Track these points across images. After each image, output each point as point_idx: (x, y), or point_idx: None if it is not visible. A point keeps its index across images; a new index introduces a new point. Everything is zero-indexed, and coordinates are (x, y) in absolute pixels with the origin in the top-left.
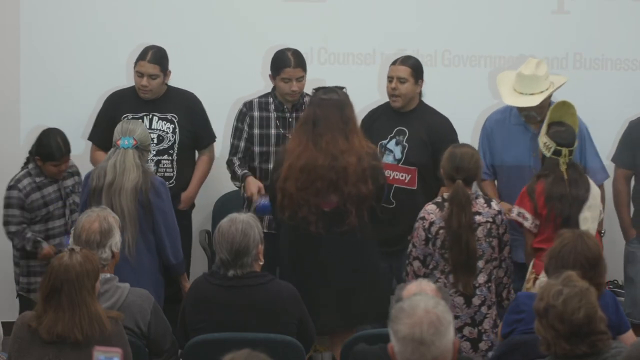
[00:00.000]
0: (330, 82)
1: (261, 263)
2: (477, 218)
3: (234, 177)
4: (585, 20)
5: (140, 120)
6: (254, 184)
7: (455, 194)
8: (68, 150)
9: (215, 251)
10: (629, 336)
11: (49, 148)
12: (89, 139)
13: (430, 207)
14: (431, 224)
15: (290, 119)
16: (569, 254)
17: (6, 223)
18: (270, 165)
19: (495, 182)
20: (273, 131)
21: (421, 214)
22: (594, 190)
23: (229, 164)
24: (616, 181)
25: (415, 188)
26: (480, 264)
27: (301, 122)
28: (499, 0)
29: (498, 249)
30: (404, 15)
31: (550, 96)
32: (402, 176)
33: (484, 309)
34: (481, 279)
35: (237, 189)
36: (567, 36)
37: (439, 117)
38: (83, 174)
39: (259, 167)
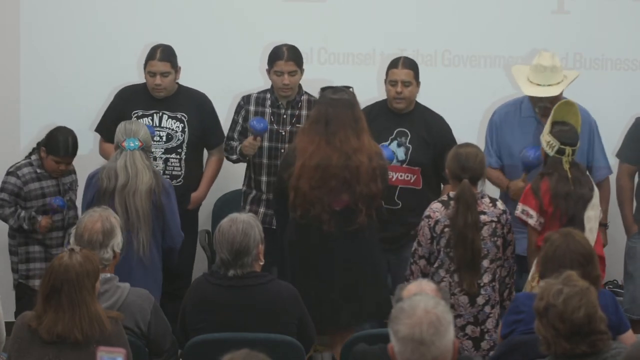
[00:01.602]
0: (330, 82)
1: (261, 263)
2: (483, 217)
3: (231, 151)
4: (585, 20)
5: (150, 117)
6: (247, 139)
7: (462, 193)
8: (74, 153)
9: (216, 251)
10: (629, 336)
11: (57, 143)
12: (96, 130)
13: (435, 206)
14: (436, 222)
15: (284, 116)
16: (564, 255)
17: None
18: (264, 160)
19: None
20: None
21: (427, 213)
22: (596, 190)
23: (225, 147)
24: (620, 177)
25: (420, 188)
26: (485, 263)
27: (312, 121)
28: (498, 1)
29: (502, 248)
30: (404, 15)
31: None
32: (407, 177)
33: (487, 309)
34: (486, 278)
35: (237, 189)
36: (567, 36)
37: (436, 116)
38: (85, 171)
39: (253, 162)
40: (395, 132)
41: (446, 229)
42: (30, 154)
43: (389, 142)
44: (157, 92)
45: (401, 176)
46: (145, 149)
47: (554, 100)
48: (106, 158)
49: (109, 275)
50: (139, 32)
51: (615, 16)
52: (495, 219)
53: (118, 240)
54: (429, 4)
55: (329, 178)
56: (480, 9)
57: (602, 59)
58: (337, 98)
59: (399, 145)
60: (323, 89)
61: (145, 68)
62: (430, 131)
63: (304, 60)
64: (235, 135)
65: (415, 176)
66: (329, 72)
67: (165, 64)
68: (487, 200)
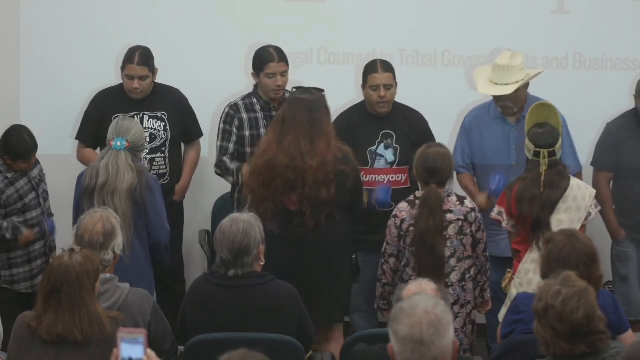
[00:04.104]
0: (330, 82)
1: (262, 263)
2: (448, 216)
3: (227, 173)
4: (585, 20)
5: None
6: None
7: (427, 197)
8: (36, 146)
9: (216, 251)
10: (629, 336)
11: (18, 147)
12: (77, 137)
13: (402, 205)
14: (402, 221)
15: None
16: (570, 256)
17: None
18: None
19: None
20: (263, 131)
21: (394, 212)
22: (580, 192)
23: (219, 164)
24: (599, 185)
25: (409, 186)
26: (452, 262)
27: (274, 120)
28: (498, 1)
29: (472, 247)
30: (403, 15)
31: (526, 87)
32: (398, 177)
33: (456, 308)
34: (454, 277)
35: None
36: (567, 36)
37: (414, 112)
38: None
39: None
40: (380, 135)
41: (411, 228)
42: None
43: (376, 145)
44: (134, 94)
45: (392, 178)
46: (134, 150)
47: (514, 99)
48: (85, 164)
49: (108, 275)
50: (139, 32)
51: (615, 16)
52: (461, 217)
53: (119, 242)
54: (429, 4)
55: (275, 178)
56: (480, 9)
57: (602, 59)
58: (299, 99)
59: (386, 147)
60: (295, 88)
61: (122, 70)
62: (413, 128)
63: (304, 60)
64: (231, 146)
65: (405, 175)
66: (329, 72)
67: (143, 68)
68: (454, 198)
